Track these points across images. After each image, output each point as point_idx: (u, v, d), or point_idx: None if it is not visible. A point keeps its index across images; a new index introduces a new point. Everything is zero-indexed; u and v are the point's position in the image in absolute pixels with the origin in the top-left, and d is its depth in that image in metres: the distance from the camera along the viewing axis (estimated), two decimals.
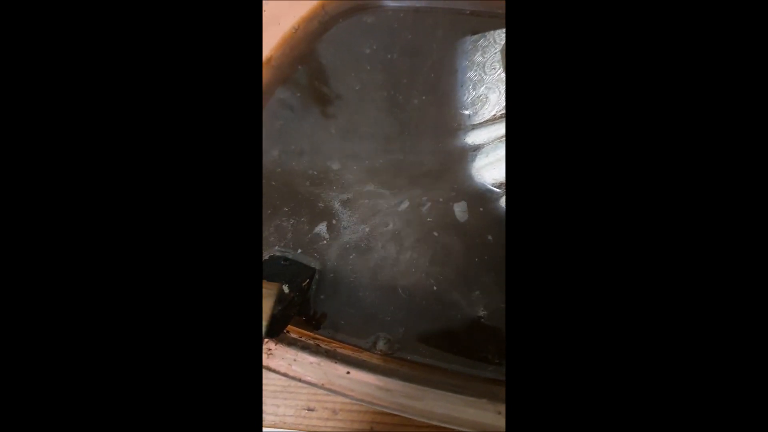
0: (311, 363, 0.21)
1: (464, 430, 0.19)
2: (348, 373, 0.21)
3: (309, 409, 0.28)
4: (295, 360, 0.21)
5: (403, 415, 0.20)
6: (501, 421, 0.19)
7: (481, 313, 0.25)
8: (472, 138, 0.28)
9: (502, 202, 0.26)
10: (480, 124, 0.28)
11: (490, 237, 0.26)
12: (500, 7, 0.34)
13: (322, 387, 0.20)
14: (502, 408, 0.19)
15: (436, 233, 0.27)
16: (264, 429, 0.29)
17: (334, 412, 0.28)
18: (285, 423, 0.28)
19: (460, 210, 0.26)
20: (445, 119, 0.29)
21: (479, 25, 0.33)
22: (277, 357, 0.21)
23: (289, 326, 0.24)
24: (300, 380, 0.20)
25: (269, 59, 0.33)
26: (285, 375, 0.21)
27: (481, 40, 0.30)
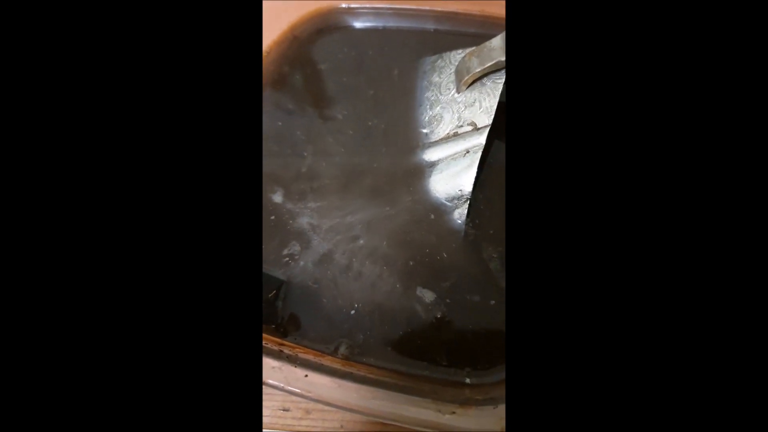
0: (273, 367, 0.23)
1: (408, 426, 0.21)
2: (306, 376, 0.23)
3: (284, 410, 0.31)
4: None
5: (355, 413, 0.22)
6: (439, 418, 0.21)
7: (436, 319, 0.27)
8: (429, 155, 0.30)
9: (455, 215, 0.28)
10: (435, 142, 0.30)
11: (445, 249, 0.28)
12: (461, 26, 0.36)
13: (282, 389, 0.23)
14: (443, 407, 0.21)
15: (396, 246, 0.29)
16: None
17: (308, 411, 0.30)
18: (262, 423, 0.31)
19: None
20: (405, 138, 0.31)
21: (441, 43, 0.35)
22: None
23: None
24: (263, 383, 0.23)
25: None
26: None
27: (439, 61, 0.32)
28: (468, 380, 0.25)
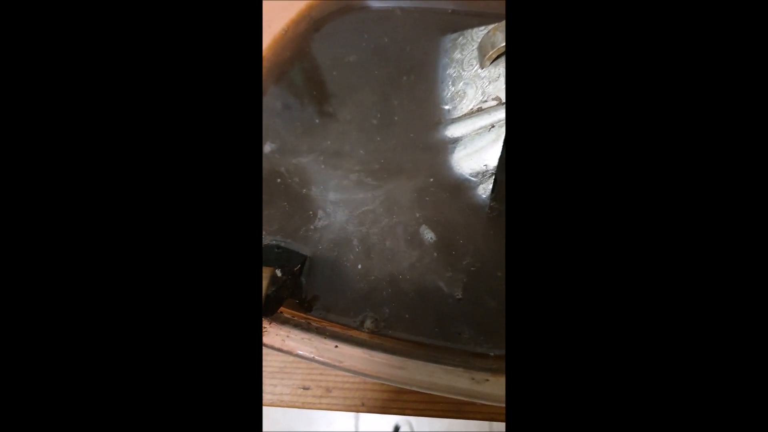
0: (303, 338, 0.23)
1: (441, 393, 0.21)
2: (336, 346, 0.23)
3: (304, 388, 0.30)
4: (288, 336, 0.23)
5: (386, 383, 0.22)
6: (475, 386, 0.21)
7: (457, 294, 0.27)
8: (452, 131, 0.30)
9: (479, 190, 0.28)
10: (458, 118, 0.30)
11: (467, 224, 0.28)
12: (479, 6, 0.36)
13: (313, 359, 0.22)
14: (476, 375, 0.21)
15: (418, 221, 0.29)
16: (263, 407, 0.30)
17: (328, 390, 0.30)
18: (282, 401, 0.30)
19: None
20: (426, 114, 0.31)
21: (459, 23, 0.35)
22: (271, 334, 0.23)
23: (282, 308, 0.26)
24: (292, 354, 0.22)
25: (262, 60, 0.35)
26: (279, 350, 0.23)
27: (460, 38, 0.32)
28: (492, 353, 0.25)
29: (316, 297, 0.27)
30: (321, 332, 0.24)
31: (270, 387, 0.30)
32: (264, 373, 0.30)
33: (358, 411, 0.30)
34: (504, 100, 0.28)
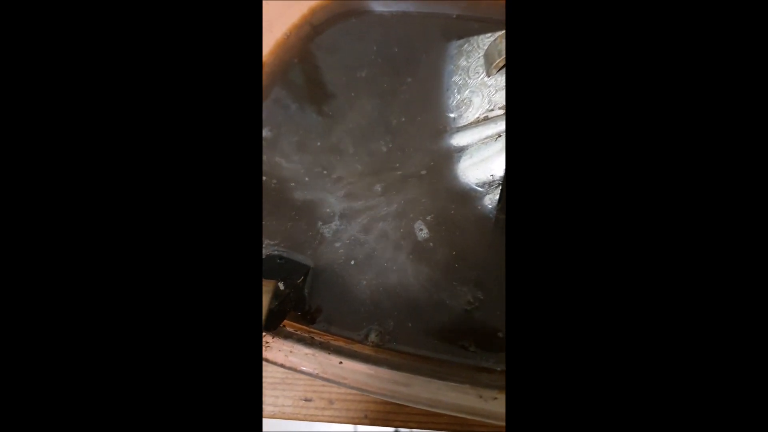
0: (306, 354, 0.23)
1: (448, 412, 0.21)
2: (341, 362, 0.22)
3: (306, 400, 0.30)
4: (291, 351, 0.23)
5: (391, 400, 0.21)
6: (482, 404, 0.21)
7: (464, 307, 0.26)
8: (457, 140, 0.29)
9: (486, 200, 0.28)
10: (464, 126, 0.29)
11: (473, 235, 0.27)
12: (485, 11, 0.35)
13: (317, 376, 0.22)
14: (483, 392, 0.21)
15: (423, 231, 0.28)
16: (264, 419, 0.30)
17: (330, 401, 0.30)
18: (284, 413, 0.30)
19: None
20: (431, 122, 0.31)
21: (465, 29, 0.34)
22: (274, 349, 0.23)
23: (285, 321, 0.26)
24: (296, 370, 0.22)
25: (264, 64, 0.34)
26: (282, 366, 0.22)
27: (466, 45, 0.31)
28: (498, 368, 0.25)
29: (319, 309, 0.27)
30: (325, 347, 0.23)
31: (272, 398, 0.30)
32: (265, 384, 0.30)
33: (360, 423, 0.30)
34: None
